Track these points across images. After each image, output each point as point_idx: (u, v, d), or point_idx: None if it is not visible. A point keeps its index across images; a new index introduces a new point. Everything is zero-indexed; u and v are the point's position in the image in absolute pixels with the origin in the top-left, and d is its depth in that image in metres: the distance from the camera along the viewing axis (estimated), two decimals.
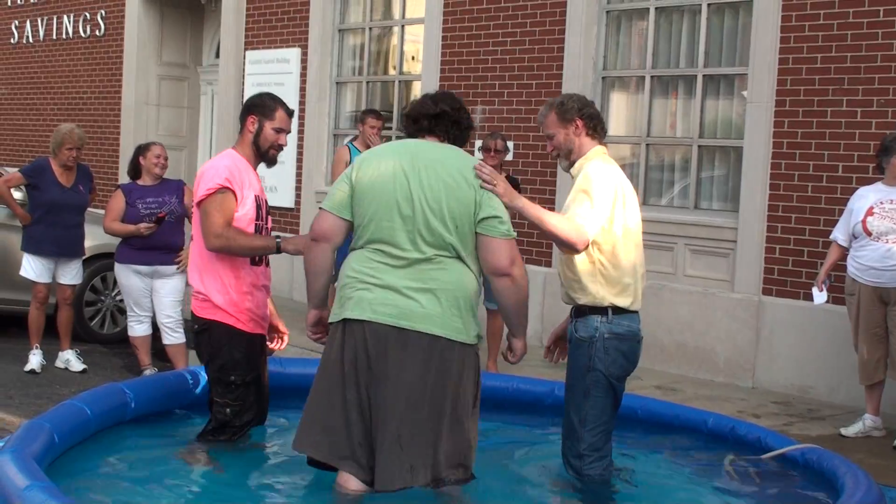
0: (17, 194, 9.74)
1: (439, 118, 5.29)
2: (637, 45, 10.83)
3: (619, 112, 11.15)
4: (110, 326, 10.81)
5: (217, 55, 15.62)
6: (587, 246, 5.45)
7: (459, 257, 5.14)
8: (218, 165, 5.98)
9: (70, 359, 9.41)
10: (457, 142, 5.39)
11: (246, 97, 14.42)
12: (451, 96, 5.43)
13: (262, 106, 6.08)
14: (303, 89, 13.78)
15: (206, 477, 5.81)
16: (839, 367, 8.87)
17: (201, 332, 6.03)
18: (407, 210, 5.09)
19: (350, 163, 10.38)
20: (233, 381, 5.93)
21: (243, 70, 14.64)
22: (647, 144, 10.69)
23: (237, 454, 5.95)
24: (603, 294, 5.55)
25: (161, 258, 8.83)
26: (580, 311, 5.65)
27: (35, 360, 9.25)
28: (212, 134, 15.99)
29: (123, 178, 16.20)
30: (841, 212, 8.93)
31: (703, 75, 10.23)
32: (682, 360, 10.05)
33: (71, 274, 9.40)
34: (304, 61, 13.81)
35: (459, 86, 11.92)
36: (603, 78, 10.93)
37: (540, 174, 11.12)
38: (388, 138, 10.98)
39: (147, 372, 8.80)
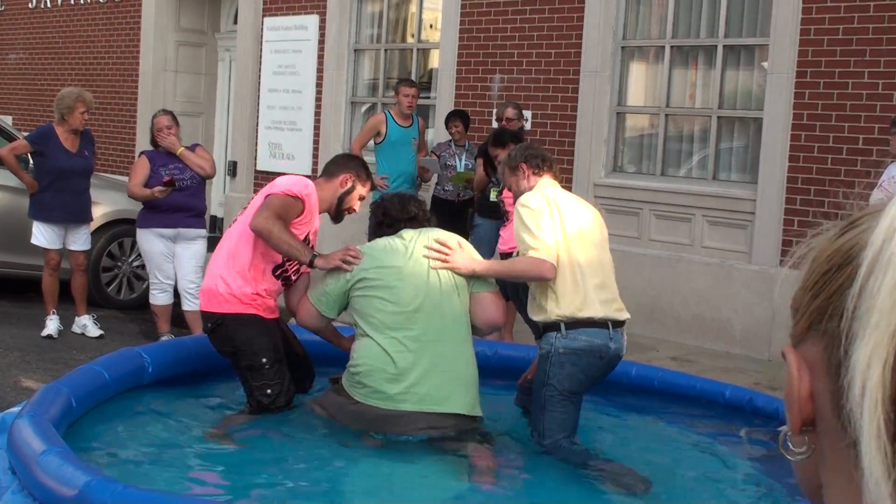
0: None
1: (413, 220, 5.94)
2: (657, 14, 10.76)
3: (639, 82, 11.09)
4: (127, 292, 10.83)
5: (235, 21, 15.58)
6: (555, 269, 5.56)
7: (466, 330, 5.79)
8: (308, 184, 6.01)
9: (87, 324, 9.43)
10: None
11: (264, 64, 14.44)
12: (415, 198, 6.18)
13: (359, 170, 6.19)
14: (321, 56, 13.74)
15: (221, 443, 5.82)
16: None
17: (216, 328, 5.98)
18: (421, 296, 5.66)
19: (384, 133, 10.46)
20: (264, 363, 5.87)
21: (261, 37, 14.60)
22: (666, 115, 10.64)
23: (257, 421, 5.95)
24: (552, 309, 5.63)
25: (184, 221, 8.86)
26: (540, 331, 5.79)
27: (52, 325, 9.27)
28: (229, 101, 15.95)
29: (140, 144, 16.27)
30: (860, 184, 8.90)
31: (724, 45, 10.16)
32: (698, 331, 10.03)
33: (81, 240, 9.41)
34: (322, 28, 13.76)
35: (478, 54, 11.88)
36: (622, 48, 10.87)
37: (558, 143, 11.08)
38: (421, 107, 10.93)
39: (164, 339, 8.81)
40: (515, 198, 6.01)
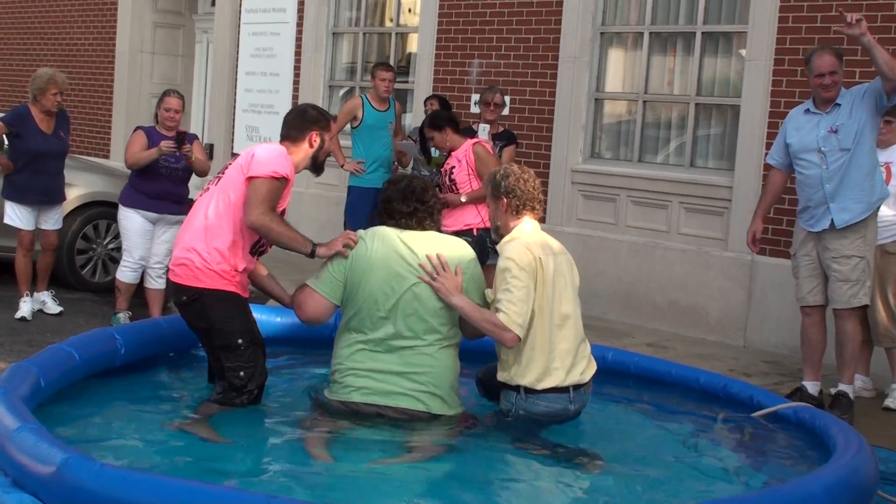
0: None
1: (410, 216, 5.79)
2: (636, 0, 10.75)
3: (617, 68, 11.08)
4: (101, 275, 10.77)
5: (213, 3, 15.50)
6: (517, 340, 5.53)
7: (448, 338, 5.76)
8: (287, 157, 5.90)
9: (46, 300, 9.41)
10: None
11: (242, 46, 14.36)
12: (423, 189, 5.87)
13: (319, 121, 6.06)
14: (299, 40, 13.68)
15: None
16: (830, 329, 8.84)
17: (191, 302, 5.86)
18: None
19: (360, 117, 10.38)
20: (240, 344, 5.79)
21: (239, 19, 14.53)
22: (644, 101, 10.63)
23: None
24: (514, 374, 5.65)
25: (169, 207, 8.83)
26: (502, 384, 5.78)
27: (26, 307, 9.21)
28: (206, 83, 15.88)
29: (117, 125, 16.19)
30: None
31: (702, 32, 10.16)
32: (673, 318, 10.04)
33: (53, 220, 9.37)
34: (300, 11, 13.71)
35: (456, 39, 11.84)
36: (601, 33, 10.85)
37: (536, 129, 11.07)
38: (399, 91, 10.88)
39: (121, 315, 8.85)
40: (491, 221, 5.95)
